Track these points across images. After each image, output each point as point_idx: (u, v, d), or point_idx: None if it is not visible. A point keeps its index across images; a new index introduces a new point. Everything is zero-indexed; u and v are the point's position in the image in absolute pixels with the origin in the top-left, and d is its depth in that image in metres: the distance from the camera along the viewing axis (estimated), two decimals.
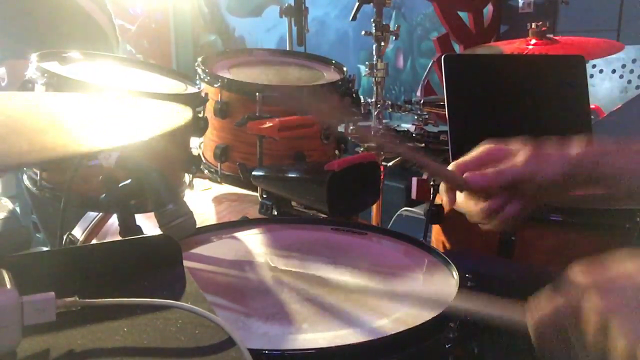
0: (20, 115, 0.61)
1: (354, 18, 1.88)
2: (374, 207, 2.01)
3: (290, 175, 1.20)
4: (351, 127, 1.75)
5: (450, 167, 0.75)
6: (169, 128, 0.55)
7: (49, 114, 0.63)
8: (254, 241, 1.02)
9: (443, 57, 1.38)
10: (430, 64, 2.54)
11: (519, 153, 0.72)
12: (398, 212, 2.21)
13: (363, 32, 1.85)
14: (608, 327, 0.47)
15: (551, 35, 1.95)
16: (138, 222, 0.87)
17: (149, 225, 0.89)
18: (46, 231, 2.09)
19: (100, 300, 0.53)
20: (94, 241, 1.44)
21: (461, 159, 0.75)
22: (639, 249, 0.53)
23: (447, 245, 1.36)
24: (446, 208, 0.79)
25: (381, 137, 1.18)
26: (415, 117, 1.87)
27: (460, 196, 0.76)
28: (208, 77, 1.42)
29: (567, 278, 0.52)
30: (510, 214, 0.73)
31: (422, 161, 0.79)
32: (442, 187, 0.78)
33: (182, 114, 0.62)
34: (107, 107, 0.72)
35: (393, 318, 0.73)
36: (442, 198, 0.78)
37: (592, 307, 0.49)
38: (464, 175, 0.73)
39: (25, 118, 0.60)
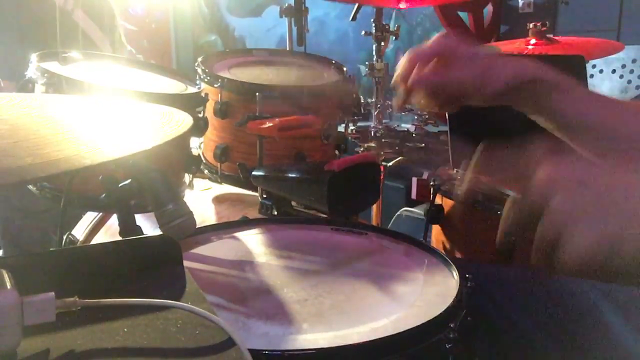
0: (21, 124, 0.61)
1: (354, 18, 1.88)
2: (374, 207, 2.01)
3: (290, 175, 1.20)
4: (351, 127, 1.75)
5: (406, 55, 0.77)
6: (171, 136, 0.55)
7: (50, 122, 0.63)
8: (254, 241, 1.02)
9: None
10: None
11: (475, 57, 0.73)
12: (398, 212, 2.21)
13: (363, 32, 1.85)
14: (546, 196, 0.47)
15: (551, 35, 1.95)
16: (138, 222, 0.86)
17: (149, 225, 0.89)
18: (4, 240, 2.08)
19: (100, 300, 0.53)
20: (94, 241, 1.44)
21: (416, 48, 0.76)
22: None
23: (447, 246, 1.36)
24: (397, 107, 0.82)
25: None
26: (415, 117, 1.87)
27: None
28: (208, 77, 1.42)
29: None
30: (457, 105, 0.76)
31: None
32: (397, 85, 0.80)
33: (183, 120, 0.62)
34: (109, 113, 0.72)
35: (393, 318, 0.73)
36: (394, 104, 0.82)
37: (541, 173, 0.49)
38: (415, 69, 0.75)
39: (26, 126, 0.60)
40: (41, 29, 1.98)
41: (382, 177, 1.63)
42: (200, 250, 0.97)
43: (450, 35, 0.75)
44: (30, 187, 1.20)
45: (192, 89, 1.34)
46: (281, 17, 2.00)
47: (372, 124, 1.88)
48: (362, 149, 1.82)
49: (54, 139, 0.54)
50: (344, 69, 1.59)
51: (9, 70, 1.75)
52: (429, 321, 0.70)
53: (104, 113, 0.72)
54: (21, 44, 1.97)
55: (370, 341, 0.65)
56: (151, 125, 0.65)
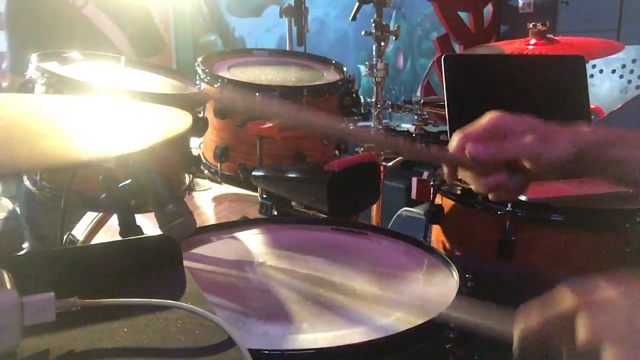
0: (20, 120, 0.61)
1: (354, 18, 1.87)
2: (374, 207, 2.01)
3: (290, 175, 1.20)
4: (351, 127, 1.75)
5: (455, 135, 0.73)
6: (168, 135, 0.55)
7: (49, 119, 0.63)
8: (254, 241, 1.02)
9: (443, 57, 1.38)
10: (430, 64, 2.54)
11: (527, 129, 0.70)
12: (398, 212, 2.21)
13: (363, 32, 1.85)
14: (596, 350, 0.47)
15: (551, 35, 1.95)
16: (138, 222, 0.86)
17: (149, 225, 0.89)
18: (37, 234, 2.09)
19: (100, 300, 0.53)
20: (94, 241, 1.44)
21: (466, 130, 0.73)
22: (625, 270, 0.53)
23: (447, 246, 1.36)
24: (448, 181, 0.79)
25: (378, 135, 1.17)
26: (415, 117, 1.87)
27: (462, 170, 0.76)
28: (208, 77, 1.42)
29: (557, 296, 0.52)
30: (513, 187, 0.72)
31: (421, 151, 0.78)
32: (443, 165, 0.77)
33: (182, 119, 0.61)
34: (108, 112, 0.72)
35: (393, 318, 0.73)
36: (445, 175, 0.77)
37: (584, 327, 0.48)
38: (467, 147, 0.72)
39: (25, 123, 0.60)
40: (45, 25, 1.99)
41: (382, 177, 1.63)
42: (200, 250, 0.97)
43: (499, 112, 0.73)
44: (30, 186, 1.20)
45: (192, 89, 1.34)
46: (281, 17, 2.00)
47: (372, 124, 1.88)
48: (362, 149, 1.82)
49: (52, 135, 0.54)
50: (344, 69, 1.59)
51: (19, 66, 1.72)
52: (429, 321, 0.70)
53: (103, 112, 0.71)
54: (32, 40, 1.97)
55: (370, 341, 0.65)
56: (150, 124, 0.65)
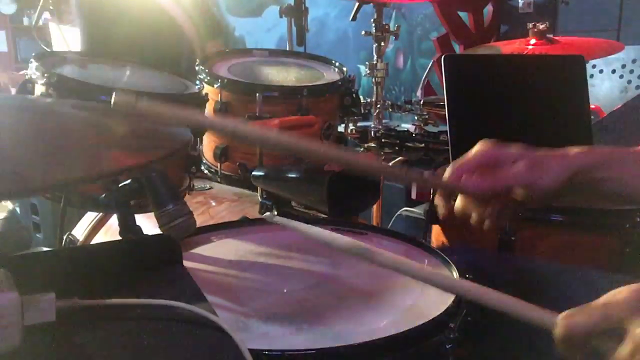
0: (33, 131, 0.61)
1: (354, 18, 1.88)
2: (374, 207, 2.01)
3: (290, 175, 1.20)
4: (351, 127, 1.75)
5: (449, 168, 0.75)
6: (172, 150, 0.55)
7: (57, 129, 0.63)
8: (254, 241, 1.02)
9: (443, 57, 1.38)
10: (430, 64, 2.54)
11: (519, 158, 0.71)
12: (398, 212, 2.21)
13: (363, 32, 1.85)
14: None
15: (551, 35, 1.95)
16: (138, 222, 0.86)
17: (149, 225, 0.89)
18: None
19: (100, 300, 0.53)
20: (94, 241, 1.44)
21: (459, 161, 0.75)
22: None
23: (447, 246, 1.36)
24: (441, 213, 0.80)
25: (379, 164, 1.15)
26: (415, 117, 1.87)
27: (459, 202, 0.77)
28: (208, 77, 1.42)
29: (611, 295, 0.51)
30: (510, 215, 0.74)
31: (414, 177, 0.79)
32: (437, 195, 0.78)
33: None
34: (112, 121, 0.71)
35: (393, 318, 0.73)
36: (439, 208, 0.79)
37: (637, 330, 0.47)
38: (462, 180, 0.73)
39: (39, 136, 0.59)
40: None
41: (382, 177, 1.63)
42: (200, 250, 0.97)
43: (490, 142, 0.74)
44: None
45: (192, 89, 1.34)
46: (281, 17, 2.00)
47: (372, 124, 1.88)
48: (362, 149, 1.82)
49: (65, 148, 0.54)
50: (344, 69, 1.59)
51: None
52: (429, 321, 0.70)
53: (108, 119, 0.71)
54: None
55: (370, 341, 0.65)
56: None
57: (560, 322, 0.52)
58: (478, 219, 0.76)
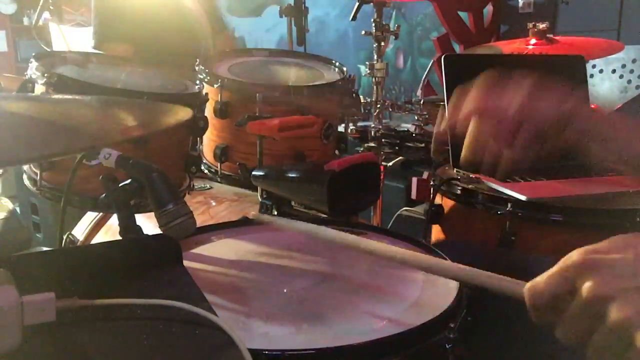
0: (21, 116, 0.61)
1: (354, 18, 1.87)
2: (374, 207, 2.01)
3: (290, 175, 1.20)
4: (351, 127, 1.75)
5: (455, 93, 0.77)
6: (165, 125, 0.55)
7: (50, 113, 0.63)
8: (254, 241, 1.02)
9: (443, 57, 1.38)
10: (430, 64, 2.54)
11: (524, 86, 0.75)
12: (398, 212, 2.21)
13: (363, 32, 1.85)
14: (602, 306, 0.49)
15: (551, 35, 1.95)
16: (138, 222, 0.86)
17: (149, 225, 0.89)
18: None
19: (100, 300, 0.53)
20: (94, 241, 1.44)
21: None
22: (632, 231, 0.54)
23: (447, 244, 1.36)
24: (445, 125, 0.80)
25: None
26: (415, 117, 1.87)
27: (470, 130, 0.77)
28: (208, 77, 1.42)
29: (565, 259, 0.54)
30: (519, 143, 0.74)
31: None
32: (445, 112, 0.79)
33: (181, 114, 0.62)
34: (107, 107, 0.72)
35: (393, 318, 0.73)
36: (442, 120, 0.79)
37: (588, 285, 0.50)
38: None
39: (25, 118, 0.60)
40: None
41: (382, 177, 1.63)
42: (200, 250, 0.97)
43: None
44: (30, 186, 1.20)
45: (192, 89, 1.34)
46: (281, 17, 2.00)
47: (372, 124, 1.88)
48: (362, 149, 1.82)
49: (53, 127, 0.54)
50: (344, 68, 1.59)
51: None
52: (429, 321, 0.70)
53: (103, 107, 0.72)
54: None
55: (370, 341, 0.65)
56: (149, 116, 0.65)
57: (526, 291, 0.55)
58: (490, 158, 0.75)
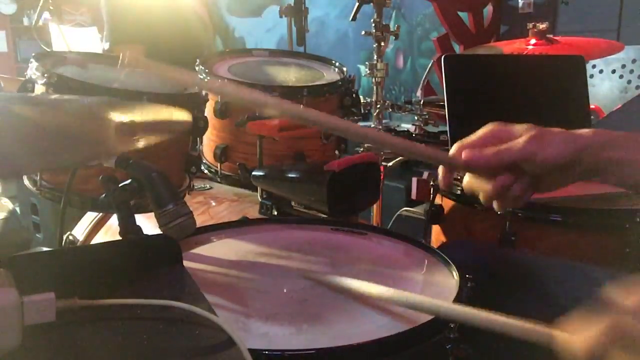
0: (22, 120, 0.61)
1: (354, 18, 1.87)
2: (374, 207, 2.01)
3: (290, 175, 1.20)
4: (351, 125, 1.75)
5: (454, 147, 0.74)
6: (168, 135, 0.55)
7: (50, 117, 0.63)
8: (254, 241, 1.02)
9: (443, 57, 1.38)
10: (430, 64, 2.54)
11: (522, 134, 0.71)
12: (398, 212, 2.21)
13: (363, 32, 1.85)
14: None
15: (551, 35, 1.95)
16: (138, 222, 0.87)
17: (149, 225, 0.89)
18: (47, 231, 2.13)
19: (100, 300, 0.53)
20: (94, 241, 1.44)
21: (465, 140, 0.74)
22: None
23: (448, 243, 1.36)
24: (441, 186, 0.79)
25: (377, 134, 1.15)
26: (415, 117, 1.87)
27: (466, 178, 0.76)
28: (208, 77, 1.42)
29: (607, 300, 0.51)
30: (517, 192, 0.72)
31: (418, 150, 0.78)
32: (440, 168, 0.77)
33: (182, 119, 0.62)
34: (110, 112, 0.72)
35: (393, 318, 0.73)
36: (439, 179, 0.78)
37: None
38: (463, 155, 0.72)
39: (27, 123, 0.60)
40: None
41: (382, 177, 1.63)
42: (200, 250, 0.97)
43: (496, 123, 0.74)
44: (30, 186, 1.20)
45: (192, 89, 1.34)
46: (281, 17, 2.00)
47: (372, 124, 1.88)
48: (362, 149, 1.82)
49: (55, 135, 0.54)
50: (344, 69, 1.59)
51: None
52: (429, 321, 0.70)
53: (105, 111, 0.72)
54: None
55: (370, 341, 0.65)
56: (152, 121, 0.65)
57: (579, 345, 0.51)
58: (486, 197, 0.74)
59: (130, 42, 1.69)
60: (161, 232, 0.81)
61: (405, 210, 2.20)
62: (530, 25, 1.93)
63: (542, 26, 1.90)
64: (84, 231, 1.48)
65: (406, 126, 1.96)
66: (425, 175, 1.91)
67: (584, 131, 0.71)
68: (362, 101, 1.70)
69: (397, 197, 2.55)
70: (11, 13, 5.57)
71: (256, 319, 0.72)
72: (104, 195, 0.98)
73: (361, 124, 1.86)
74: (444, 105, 1.38)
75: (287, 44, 2.06)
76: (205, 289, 0.60)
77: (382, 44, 1.82)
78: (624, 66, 2.66)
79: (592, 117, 1.56)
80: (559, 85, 1.47)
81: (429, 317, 0.71)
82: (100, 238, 1.44)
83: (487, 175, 0.73)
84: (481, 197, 0.75)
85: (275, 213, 1.23)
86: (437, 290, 0.82)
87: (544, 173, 0.71)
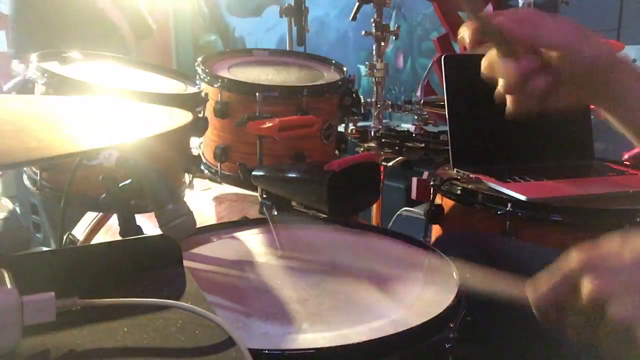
0: (20, 116, 0.61)
1: (354, 18, 1.88)
2: (374, 207, 2.01)
3: (290, 175, 1.20)
4: (351, 127, 1.75)
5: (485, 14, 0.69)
6: (167, 129, 0.55)
7: (49, 114, 0.63)
8: (254, 241, 1.02)
9: (443, 57, 1.39)
10: (430, 64, 2.54)
11: (562, 24, 0.67)
12: (398, 212, 2.21)
13: (363, 32, 1.85)
14: (602, 304, 0.49)
15: None
16: (138, 222, 0.86)
17: (149, 225, 0.89)
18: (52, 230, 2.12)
19: (100, 300, 0.53)
20: (94, 241, 1.44)
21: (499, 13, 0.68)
22: (632, 230, 0.54)
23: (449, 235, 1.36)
24: (469, 46, 0.73)
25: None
26: (415, 117, 1.87)
27: (489, 56, 0.71)
28: (208, 77, 1.42)
29: (564, 259, 0.54)
30: (538, 84, 0.67)
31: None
32: (466, 26, 0.71)
33: (182, 116, 0.62)
34: (108, 109, 0.72)
35: (393, 318, 0.73)
36: (468, 35, 0.71)
37: (587, 285, 0.50)
38: (499, 17, 0.67)
39: (25, 118, 0.60)
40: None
41: (382, 177, 1.63)
42: (200, 250, 0.97)
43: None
44: (30, 186, 1.20)
45: (192, 89, 1.34)
46: (281, 17, 2.00)
47: (372, 124, 1.88)
48: (362, 149, 1.82)
49: (52, 129, 0.54)
50: (344, 69, 1.59)
51: None
52: (429, 321, 0.70)
53: (104, 108, 0.72)
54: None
55: (370, 341, 0.65)
56: (149, 118, 0.65)
57: (529, 292, 0.55)
58: (506, 82, 0.69)
59: (38, 48, 1.66)
60: (161, 232, 0.81)
61: (405, 210, 2.20)
62: None
63: None
64: (84, 231, 1.47)
65: (406, 126, 1.95)
66: (425, 175, 1.91)
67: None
68: (362, 101, 1.70)
69: (397, 197, 2.55)
70: None
71: (256, 319, 0.72)
72: (104, 195, 0.98)
73: (361, 124, 1.86)
74: (444, 105, 1.38)
75: (287, 43, 2.06)
76: (205, 289, 0.60)
77: (382, 43, 1.82)
78: None
79: (592, 117, 1.56)
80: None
81: (428, 317, 0.71)
82: (100, 238, 1.44)
83: (514, 53, 0.67)
84: (500, 84, 0.70)
85: (275, 213, 1.23)
86: (437, 290, 0.82)
87: (570, 72, 0.66)
